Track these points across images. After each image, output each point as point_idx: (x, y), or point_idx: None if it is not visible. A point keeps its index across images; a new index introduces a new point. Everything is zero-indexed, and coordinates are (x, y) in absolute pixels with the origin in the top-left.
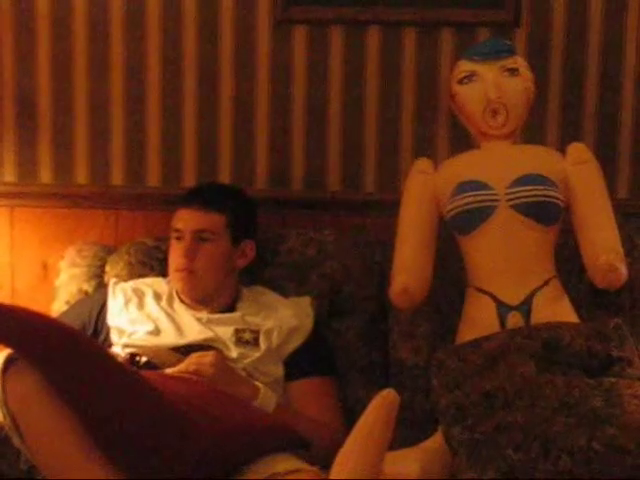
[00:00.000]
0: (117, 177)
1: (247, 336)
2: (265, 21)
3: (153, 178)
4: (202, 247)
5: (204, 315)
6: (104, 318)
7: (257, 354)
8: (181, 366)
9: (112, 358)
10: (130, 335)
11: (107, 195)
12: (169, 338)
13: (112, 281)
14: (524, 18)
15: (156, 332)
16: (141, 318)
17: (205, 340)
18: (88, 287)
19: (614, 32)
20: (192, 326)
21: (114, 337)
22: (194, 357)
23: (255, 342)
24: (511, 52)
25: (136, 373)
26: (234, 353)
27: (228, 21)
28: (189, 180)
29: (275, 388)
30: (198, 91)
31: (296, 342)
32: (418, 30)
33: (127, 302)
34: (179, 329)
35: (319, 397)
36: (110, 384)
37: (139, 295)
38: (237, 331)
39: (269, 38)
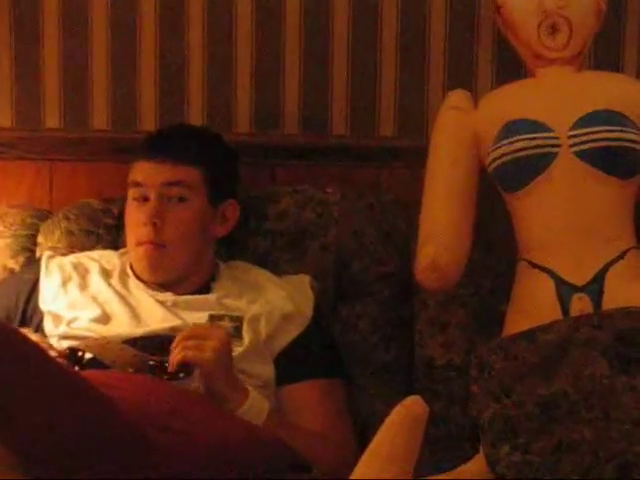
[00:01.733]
0: (52, 118)
1: (226, 324)
2: None
3: (99, 119)
4: (172, 210)
5: (169, 297)
6: (35, 302)
7: (239, 349)
8: (177, 339)
9: (45, 356)
10: (69, 323)
11: (38, 141)
12: (121, 327)
13: (46, 255)
14: None
15: (104, 319)
16: (84, 301)
17: (170, 329)
18: (14, 264)
19: None
20: (152, 311)
21: (48, 326)
22: (195, 330)
23: (237, 333)
24: None
25: (77, 375)
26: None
27: None
28: (147, 121)
29: (264, 394)
30: (160, 4)
31: (291, 334)
32: None
33: (65, 281)
34: (135, 315)
35: (321, 405)
36: (42, 390)
37: (81, 272)
38: (212, 318)
39: None
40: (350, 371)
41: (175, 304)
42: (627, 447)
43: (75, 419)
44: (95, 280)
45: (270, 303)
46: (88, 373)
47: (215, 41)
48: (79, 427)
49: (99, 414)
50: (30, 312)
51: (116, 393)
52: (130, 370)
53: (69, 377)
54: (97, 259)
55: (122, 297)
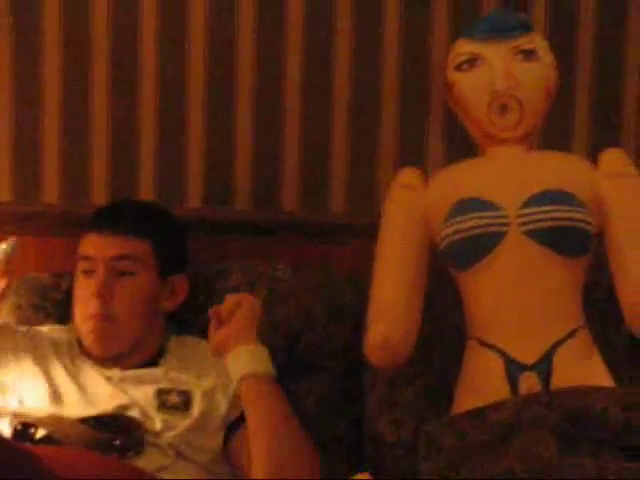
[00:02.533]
0: (2, 190)
1: (173, 399)
2: None
3: (50, 192)
4: (120, 283)
5: (116, 373)
6: None
7: (186, 422)
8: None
9: None
10: (20, 398)
11: None
12: (72, 407)
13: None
14: None
15: (55, 397)
16: (35, 376)
17: (118, 408)
18: None
19: None
20: (101, 390)
21: None
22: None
23: (185, 407)
24: (526, 28)
25: (28, 451)
26: (157, 423)
27: None
28: (98, 195)
29: (212, 469)
30: (111, 76)
31: None
32: None
33: (18, 350)
34: (84, 395)
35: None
36: None
37: (34, 344)
38: (160, 392)
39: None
40: None
41: (122, 379)
42: None
43: None
44: (46, 355)
45: (225, 374)
46: (39, 449)
47: (167, 116)
48: None
49: None
50: None
51: (70, 472)
52: (82, 446)
53: (18, 453)
54: (47, 333)
55: (72, 375)
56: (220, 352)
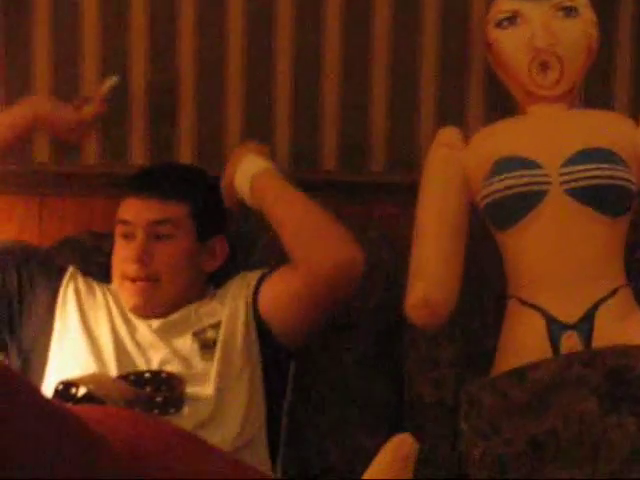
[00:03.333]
0: (41, 152)
1: (211, 335)
2: None
3: (89, 153)
4: (160, 247)
5: (154, 323)
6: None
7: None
8: None
9: (35, 394)
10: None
11: (28, 175)
12: (114, 363)
13: (71, 269)
14: None
15: (97, 354)
16: (80, 331)
17: (159, 362)
18: None
19: None
20: (143, 344)
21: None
22: None
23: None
24: None
25: (68, 412)
26: (198, 373)
27: None
28: (138, 156)
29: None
30: (153, 41)
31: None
32: None
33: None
34: (126, 350)
35: None
36: (31, 430)
37: (90, 301)
38: (196, 335)
39: None
40: (337, 408)
41: (161, 330)
42: None
43: (64, 460)
44: (92, 309)
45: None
46: (81, 409)
47: (206, 80)
48: (68, 468)
49: (90, 455)
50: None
51: (110, 430)
52: (122, 404)
53: (60, 414)
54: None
55: (115, 330)
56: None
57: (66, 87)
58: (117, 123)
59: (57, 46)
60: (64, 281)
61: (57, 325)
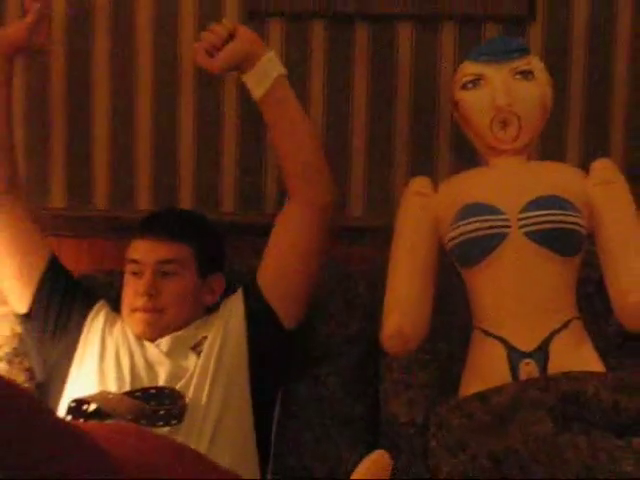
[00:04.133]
0: (58, 198)
1: (202, 347)
2: (234, 12)
3: (100, 199)
4: (165, 283)
5: (161, 344)
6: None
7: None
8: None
9: (42, 410)
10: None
11: (46, 219)
12: (122, 383)
13: (100, 303)
14: (540, 11)
15: (104, 375)
16: (98, 355)
17: (165, 380)
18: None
19: None
20: (150, 363)
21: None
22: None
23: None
24: (524, 52)
25: (77, 428)
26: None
27: (190, 15)
28: (143, 202)
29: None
30: (154, 100)
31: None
32: (414, 25)
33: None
34: (134, 370)
35: None
36: (40, 444)
37: (109, 326)
38: (194, 347)
39: None
40: (321, 425)
41: (166, 350)
42: None
43: (75, 473)
44: (115, 341)
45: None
46: (91, 426)
47: (204, 133)
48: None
49: (98, 468)
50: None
51: (117, 445)
52: (129, 418)
53: (71, 433)
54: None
55: (125, 355)
56: (250, 58)
57: None
58: (124, 173)
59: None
60: (92, 313)
61: (79, 352)
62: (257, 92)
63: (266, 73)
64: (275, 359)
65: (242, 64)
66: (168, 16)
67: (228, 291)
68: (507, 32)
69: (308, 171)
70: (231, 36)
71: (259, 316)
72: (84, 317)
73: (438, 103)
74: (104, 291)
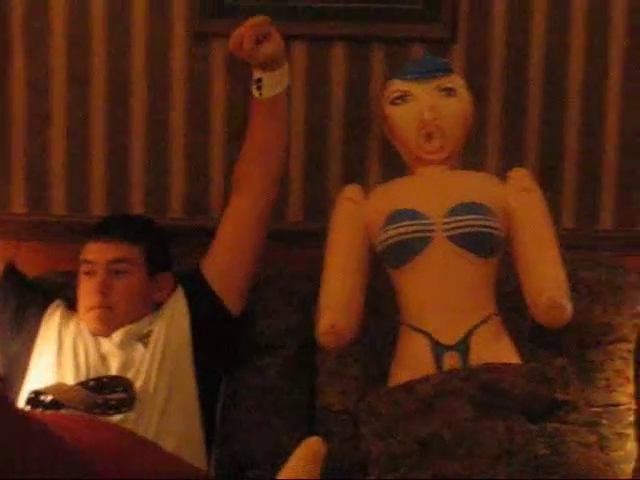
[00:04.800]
0: (17, 203)
1: (148, 338)
2: (181, 34)
3: (58, 205)
4: (117, 281)
5: (114, 337)
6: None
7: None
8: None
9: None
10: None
11: (6, 224)
12: (76, 373)
13: (56, 302)
14: (461, 34)
15: (61, 368)
16: (51, 348)
17: (118, 369)
18: None
19: (558, 49)
20: (104, 355)
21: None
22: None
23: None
24: (447, 70)
25: (35, 419)
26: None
27: (141, 35)
28: (97, 208)
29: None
30: (107, 110)
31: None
32: (347, 46)
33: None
34: (88, 361)
35: None
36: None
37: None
38: (140, 340)
39: (185, 52)
40: (261, 411)
41: (119, 342)
42: (489, 478)
43: (32, 460)
44: (59, 332)
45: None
46: (48, 416)
47: (154, 143)
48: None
49: (53, 455)
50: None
51: (71, 434)
52: (83, 407)
53: (28, 422)
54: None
55: (77, 346)
56: (278, 60)
57: None
58: (81, 181)
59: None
60: (49, 312)
61: (37, 347)
62: (268, 92)
63: (282, 79)
64: (220, 346)
65: (269, 63)
66: (119, 35)
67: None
68: (432, 53)
69: (275, 162)
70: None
71: (203, 304)
72: (41, 315)
73: (369, 118)
74: (60, 291)
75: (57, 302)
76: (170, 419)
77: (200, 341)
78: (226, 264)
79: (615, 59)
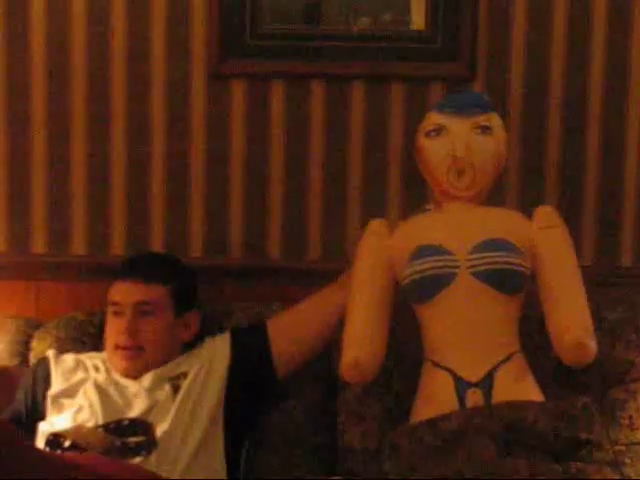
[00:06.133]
0: (38, 244)
1: (181, 382)
2: (200, 75)
3: (78, 246)
4: (144, 321)
5: (143, 381)
6: (46, 392)
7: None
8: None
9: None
10: (59, 410)
11: (27, 264)
12: (102, 416)
13: (51, 352)
14: (480, 72)
15: (86, 409)
16: (75, 391)
17: (141, 412)
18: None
19: (577, 84)
20: (130, 397)
21: (48, 407)
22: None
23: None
24: (487, 108)
25: (54, 457)
26: (169, 419)
27: (160, 75)
28: (118, 247)
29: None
30: (127, 152)
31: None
32: (366, 84)
33: (67, 372)
34: (113, 404)
35: None
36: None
37: (81, 368)
38: (172, 382)
39: (204, 93)
40: (285, 451)
41: (147, 384)
42: None
43: None
44: (87, 374)
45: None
46: (66, 456)
47: (174, 186)
48: None
49: None
50: (40, 402)
51: (90, 472)
52: (101, 450)
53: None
54: (87, 358)
55: (105, 389)
56: None
57: None
58: (101, 222)
59: None
60: (52, 367)
61: (50, 398)
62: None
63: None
64: (252, 401)
65: None
66: (138, 78)
67: (203, 330)
68: (450, 91)
69: None
70: None
71: (253, 358)
72: (47, 381)
73: (389, 155)
74: (85, 328)
75: (51, 356)
76: (197, 465)
77: (235, 392)
78: (295, 336)
79: (635, 96)
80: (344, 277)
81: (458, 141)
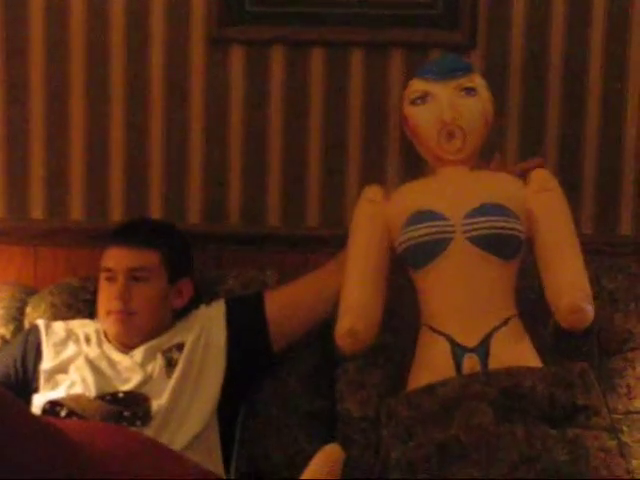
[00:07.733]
0: (36, 210)
1: (174, 355)
2: (200, 40)
3: (76, 211)
4: (136, 287)
5: (135, 353)
6: (38, 363)
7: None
8: None
9: (26, 411)
10: (56, 384)
11: (24, 230)
12: (96, 387)
13: (41, 322)
14: (480, 39)
15: (81, 380)
16: (70, 364)
17: (135, 385)
18: (5, 331)
19: (577, 53)
20: (122, 370)
21: (42, 381)
22: None
23: (180, 351)
24: (468, 70)
25: (51, 423)
26: (165, 394)
27: (159, 40)
28: (116, 214)
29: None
30: (126, 117)
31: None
32: (366, 51)
33: (59, 343)
34: (106, 375)
35: None
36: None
37: (72, 339)
38: (164, 354)
39: (203, 59)
40: (281, 418)
41: (140, 356)
42: None
43: (50, 464)
44: (78, 347)
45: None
46: (64, 422)
47: (172, 152)
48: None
49: (71, 459)
50: (32, 372)
51: (88, 439)
52: (98, 418)
53: (46, 428)
54: (80, 326)
55: (98, 359)
56: None
57: None
58: (99, 188)
59: None
60: (42, 337)
61: (42, 374)
62: None
63: None
64: (247, 372)
65: None
66: (137, 43)
67: (197, 298)
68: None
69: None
70: None
71: (249, 328)
72: (38, 348)
73: (388, 121)
74: (80, 294)
75: (42, 325)
76: (188, 431)
77: (232, 367)
78: (292, 310)
79: (634, 63)
80: (341, 256)
81: (444, 105)
